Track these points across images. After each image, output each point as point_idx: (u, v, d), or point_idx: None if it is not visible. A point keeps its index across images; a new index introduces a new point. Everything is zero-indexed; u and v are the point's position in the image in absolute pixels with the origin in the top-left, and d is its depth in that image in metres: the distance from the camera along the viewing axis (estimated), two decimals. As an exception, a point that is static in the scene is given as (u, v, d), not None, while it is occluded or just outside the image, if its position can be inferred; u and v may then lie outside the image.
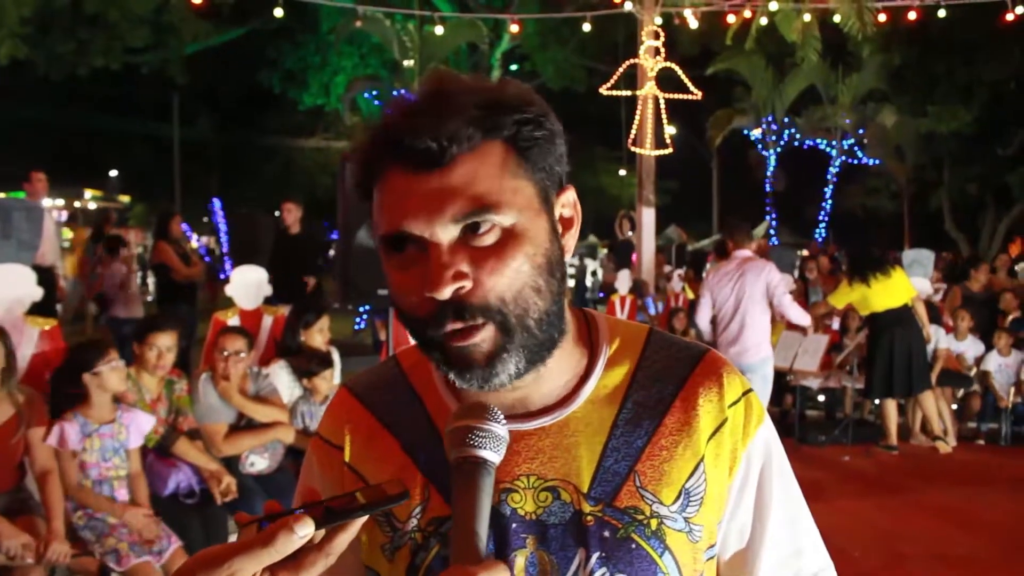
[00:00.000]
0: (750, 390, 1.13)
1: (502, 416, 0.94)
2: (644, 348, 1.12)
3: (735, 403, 1.10)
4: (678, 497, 1.04)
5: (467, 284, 0.94)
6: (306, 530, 0.79)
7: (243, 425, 4.82)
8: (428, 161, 0.94)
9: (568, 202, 1.05)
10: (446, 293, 0.93)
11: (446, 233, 0.94)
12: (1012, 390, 8.42)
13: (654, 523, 1.02)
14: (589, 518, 1.01)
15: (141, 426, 4.17)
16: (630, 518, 1.02)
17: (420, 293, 0.95)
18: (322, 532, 0.82)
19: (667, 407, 1.07)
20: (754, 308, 6.47)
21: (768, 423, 1.13)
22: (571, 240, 1.05)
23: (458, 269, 0.93)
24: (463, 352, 0.96)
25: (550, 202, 1.02)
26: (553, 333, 1.01)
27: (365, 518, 0.84)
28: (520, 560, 1.01)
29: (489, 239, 0.95)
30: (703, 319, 6.66)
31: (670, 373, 1.10)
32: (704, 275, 6.82)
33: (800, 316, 6.76)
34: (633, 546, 1.01)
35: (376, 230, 1.00)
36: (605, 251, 18.02)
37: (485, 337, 0.95)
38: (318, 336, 5.43)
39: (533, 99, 1.00)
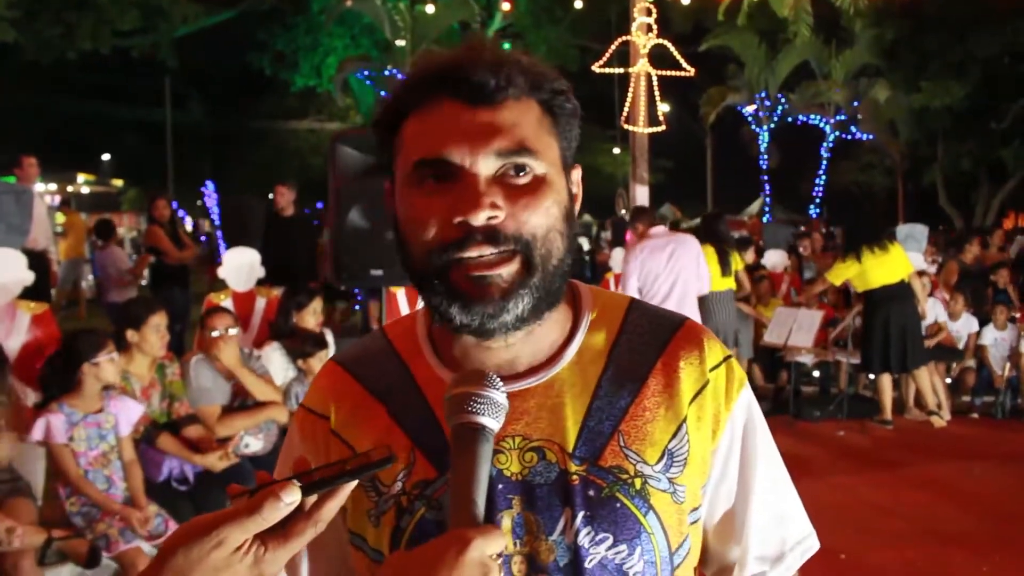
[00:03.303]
0: (730, 356, 1.15)
1: (501, 383, 0.95)
2: (626, 315, 1.14)
3: (716, 367, 1.11)
4: (661, 457, 1.05)
5: (500, 215, 0.97)
6: (292, 497, 0.79)
7: (236, 406, 4.82)
8: (483, 95, 0.99)
9: (576, 179, 1.11)
10: (481, 218, 0.96)
11: (487, 165, 0.98)
12: (1007, 365, 8.46)
13: (638, 482, 1.04)
14: (574, 477, 1.03)
15: (131, 414, 4.16)
16: (614, 477, 1.03)
17: (447, 218, 0.97)
18: (311, 500, 0.82)
19: (649, 369, 1.09)
20: (691, 281, 6.52)
21: (749, 388, 1.15)
22: (575, 212, 1.10)
23: (493, 199, 0.97)
24: (481, 282, 0.98)
25: (568, 168, 1.08)
26: (562, 285, 1.05)
27: (353, 484, 0.85)
28: (507, 521, 1.02)
29: (524, 180, 1.00)
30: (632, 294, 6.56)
31: (651, 338, 1.12)
32: (626, 255, 6.88)
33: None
34: (618, 505, 1.02)
35: (409, 155, 1.02)
36: (608, 232, 17.99)
37: (509, 271, 0.98)
38: (311, 318, 5.43)
39: (563, 78, 1.07)
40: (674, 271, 6.46)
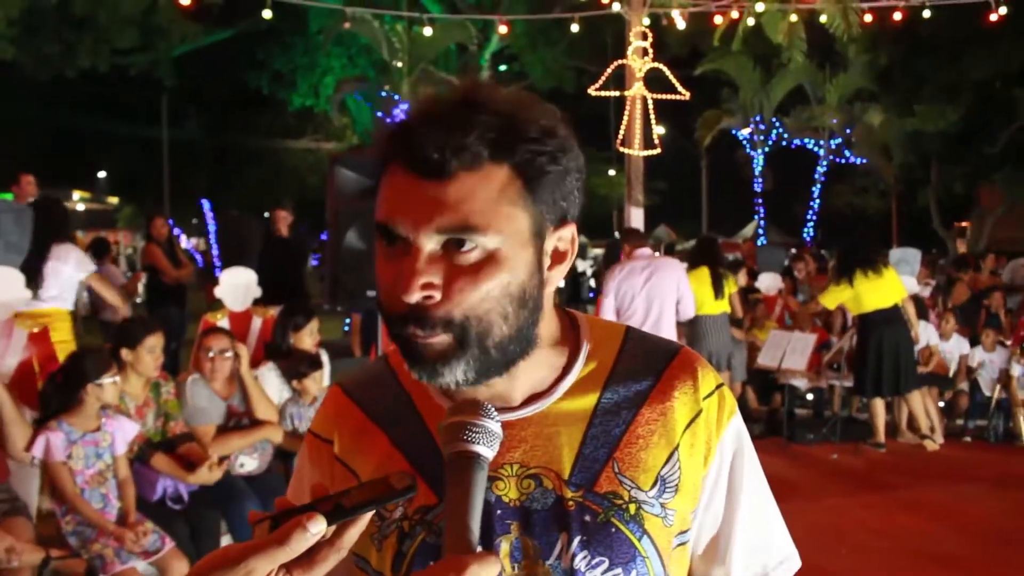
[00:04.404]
0: (722, 384, 1.17)
1: (495, 412, 0.96)
2: (622, 345, 1.17)
3: (709, 396, 1.14)
4: (655, 483, 1.08)
5: (435, 295, 0.97)
6: (318, 527, 0.80)
7: (231, 426, 4.83)
8: (431, 169, 0.96)
9: (566, 237, 1.07)
10: (413, 298, 0.96)
11: (429, 241, 0.97)
12: (997, 387, 8.50)
13: (632, 508, 1.06)
14: (571, 503, 1.05)
15: (127, 433, 4.16)
16: (609, 503, 1.06)
17: (393, 289, 0.99)
18: (333, 527, 0.83)
19: (644, 398, 1.11)
20: (668, 304, 6.59)
21: (739, 415, 1.18)
22: (558, 274, 1.07)
23: (429, 280, 0.96)
24: (416, 347, 1.00)
25: (542, 235, 1.03)
26: (511, 356, 1.03)
27: (373, 512, 0.86)
28: (505, 545, 1.04)
29: (471, 258, 0.97)
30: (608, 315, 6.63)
31: (646, 367, 1.14)
32: (605, 277, 6.99)
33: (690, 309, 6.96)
34: (613, 530, 1.05)
35: (376, 214, 1.03)
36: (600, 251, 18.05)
37: (441, 341, 0.98)
38: (308, 339, 5.44)
39: (558, 132, 1.02)
40: (651, 294, 6.55)
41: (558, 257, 1.06)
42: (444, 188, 0.96)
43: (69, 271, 5.74)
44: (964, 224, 17.85)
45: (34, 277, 5.53)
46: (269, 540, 0.80)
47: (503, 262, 0.98)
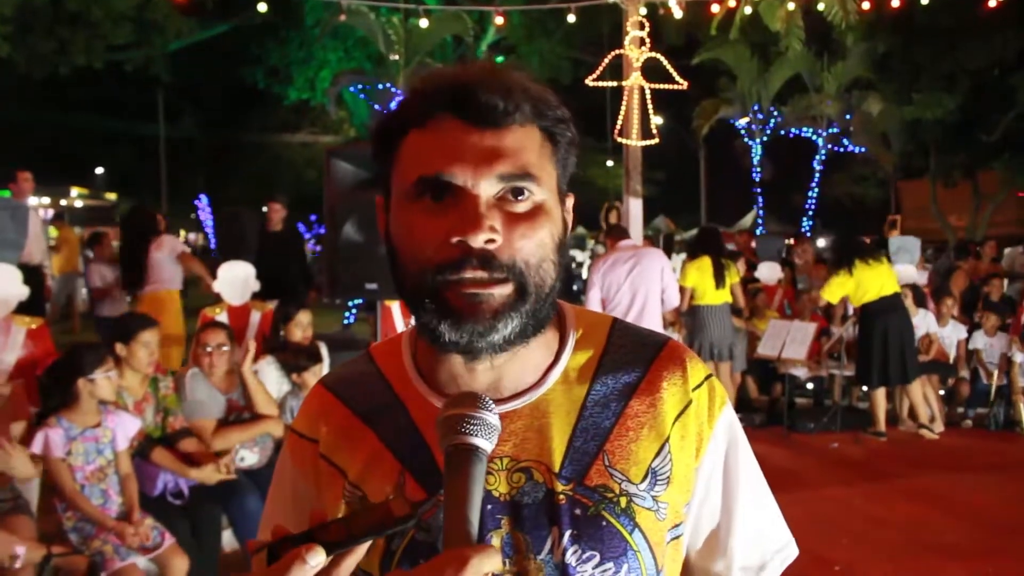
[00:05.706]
0: (711, 375, 1.16)
1: (493, 405, 0.95)
2: (609, 335, 1.16)
3: (699, 386, 1.13)
4: (646, 476, 1.07)
5: (498, 239, 0.97)
6: (318, 559, 0.80)
7: (231, 420, 4.83)
8: (489, 118, 1.00)
9: (569, 207, 1.11)
10: (480, 240, 0.96)
11: (489, 188, 0.99)
12: (996, 373, 8.51)
13: (623, 501, 1.05)
14: (561, 497, 1.04)
15: (127, 428, 4.15)
16: (600, 496, 1.05)
17: (445, 238, 0.97)
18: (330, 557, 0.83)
19: (633, 390, 1.11)
20: (653, 294, 6.67)
21: (730, 406, 1.17)
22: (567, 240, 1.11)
23: (492, 223, 0.97)
24: (473, 300, 0.98)
25: (563, 196, 1.09)
26: (550, 311, 1.06)
27: (371, 542, 0.85)
28: (496, 540, 1.03)
29: (523, 207, 1.01)
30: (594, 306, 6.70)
31: (635, 359, 1.14)
32: (590, 269, 7.13)
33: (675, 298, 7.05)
34: (604, 523, 1.04)
35: (409, 171, 1.02)
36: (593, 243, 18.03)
37: (502, 292, 0.98)
38: (297, 331, 5.43)
39: (564, 106, 1.09)
40: (634, 284, 6.61)
41: (566, 226, 1.10)
42: (502, 136, 1.00)
43: (165, 256, 7.73)
44: (895, 217, 17.93)
45: (135, 278, 7.89)
46: (268, 573, 0.79)
47: (549, 213, 1.03)
